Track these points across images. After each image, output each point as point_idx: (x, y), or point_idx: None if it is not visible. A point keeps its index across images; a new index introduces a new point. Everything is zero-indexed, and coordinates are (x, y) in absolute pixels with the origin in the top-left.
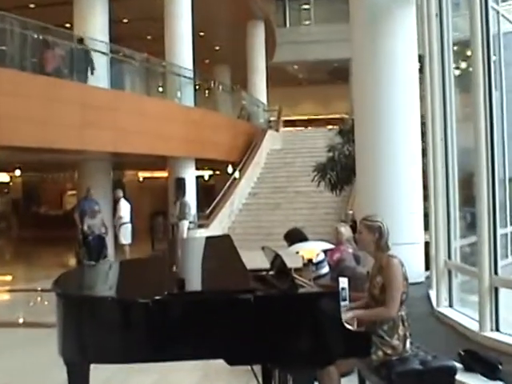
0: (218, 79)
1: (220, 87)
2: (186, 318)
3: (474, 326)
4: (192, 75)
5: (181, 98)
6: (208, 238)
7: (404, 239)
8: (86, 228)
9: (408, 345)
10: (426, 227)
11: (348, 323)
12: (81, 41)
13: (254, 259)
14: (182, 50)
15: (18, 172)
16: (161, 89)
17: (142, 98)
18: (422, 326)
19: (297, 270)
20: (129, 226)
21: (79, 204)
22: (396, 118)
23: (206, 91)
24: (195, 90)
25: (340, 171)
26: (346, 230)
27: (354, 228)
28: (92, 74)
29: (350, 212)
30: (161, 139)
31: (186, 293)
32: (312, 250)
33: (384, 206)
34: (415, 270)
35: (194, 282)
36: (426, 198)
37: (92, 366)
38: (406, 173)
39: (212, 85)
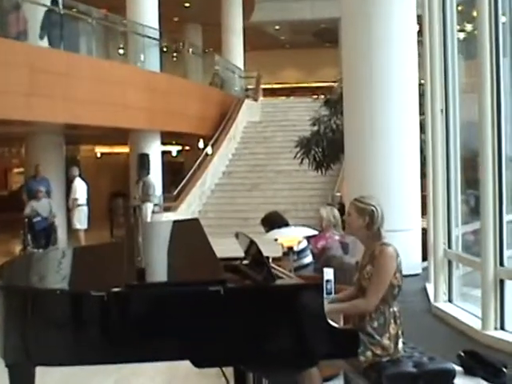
0: (188, 41)
1: (190, 50)
2: (147, 314)
3: (476, 323)
4: (157, 36)
5: (144, 62)
6: (175, 223)
7: (398, 225)
8: (28, 210)
9: (400, 344)
10: (424, 212)
11: (333, 320)
12: None
13: (227, 247)
14: (145, 6)
15: None
16: (121, 51)
17: (99, 62)
18: (417, 324)
19: (275, 259)
20: (84, 208)
21: (27, 183)
22: (391, 87)
23: (174, 54)
24: (161, 52)
25: (326, 147)
26: (331, 214)
27: (341, 212)
28: (41, 38)
29: (338, 194)
30: (121, 109)
31: (147, 284)
32: (293, 236)
33: (376, 187)
34: (411, 260)
35: (157, 272)
36: (423, 178)
37: (40, 369)
38: (402, 150)
39: (181, 47)
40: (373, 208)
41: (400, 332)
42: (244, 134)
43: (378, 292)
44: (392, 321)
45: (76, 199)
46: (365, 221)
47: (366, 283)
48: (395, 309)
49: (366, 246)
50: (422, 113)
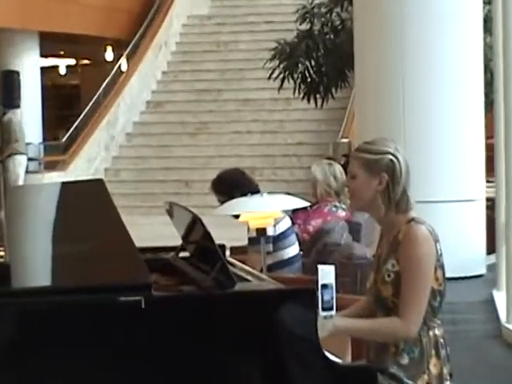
0: None
1: None
2: (11, 340)
3: None
4: None
5: None
6: (65, 188)
7: (447, 194)
8: None
9: None
10: (490, 175)
11: (333, 353)
12: None
13: (153, 230)
14: None
15: None
16: None
17: None
18: (478, 358)
19: (236, 250)
20: None
21: None
22: None
23: None
24: None
25: (324, 60)
26: (331, 175)
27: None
28: None
29: (345, 141)
30: None
31: (14, 291)
32: (266, 212)
33: (410, 134)
34: (469, 251)
35: (32, 272)
36: (489, 126)
37: None
38: (459, 74)
39: None
40: (391, 157)
41: (446, 371)
42: (183, 37)
43: (420, 305)
44: (433, 352)
45: None
46: (380, 181)
47: (388, 289)
48: (437, 332)
49: (383, 225)
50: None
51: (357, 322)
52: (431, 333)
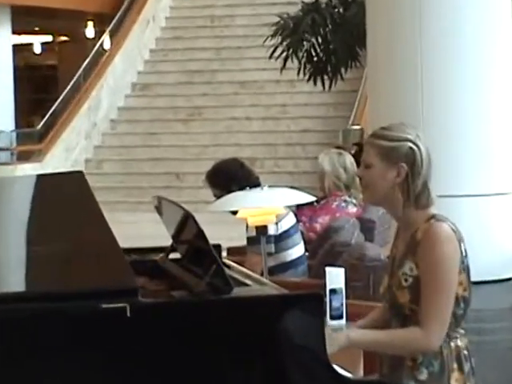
0: None
1: None
2: None
3: None
4: None
5: None
6: (41, 180)
7: (471, 187)
8: None
9: None
10: None
11: (343, 367)
12: None
13: (140, 228)
14: None
15: None
16: None
17: None
18: (504, 372)
19: (234, 250)
20: None
21: None
22: None
23: None
24: None
25: (332, 35)
26: (341, 167)
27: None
28: None
29: (356, 128)
30: None
31: None
32: (268, 208)
33: (429, 120)
34: (495, 253)
35: (4, 276)
36: None
37: None
38: (482, 46)
39: None
40: (411, 144)
41: None
42: (173, 11)
43: (443, 314)
44: (455, 366)
45: None
46: (399, 172)
47: (405, 295)
48: (460, 343)
49: (400, 222)
50: None
51: (374, 334)
52: (453, 344)
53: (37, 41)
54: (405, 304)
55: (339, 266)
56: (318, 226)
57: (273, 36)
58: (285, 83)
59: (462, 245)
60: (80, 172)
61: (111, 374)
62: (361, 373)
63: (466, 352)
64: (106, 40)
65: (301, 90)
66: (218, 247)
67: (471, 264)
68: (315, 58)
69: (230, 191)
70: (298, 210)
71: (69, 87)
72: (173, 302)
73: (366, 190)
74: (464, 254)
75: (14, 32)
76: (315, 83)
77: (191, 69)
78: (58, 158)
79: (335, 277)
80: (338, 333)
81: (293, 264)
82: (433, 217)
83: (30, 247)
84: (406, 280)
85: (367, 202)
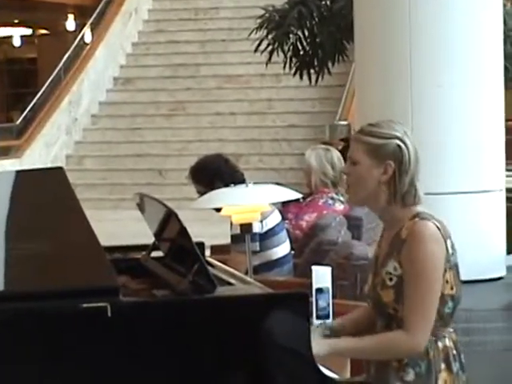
0: None
1: None
2: None
3: None
4: None
5: None
6: (19, 176)
7: (460, 184)
8: None
9: None
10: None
11: (329, 368)
12: None
13: (122, 226)
14: None
15: None
16: None
17: None
18: (495, 373)
19: (217, 248)
20: None
21: None
22: None
23: None
24: None
25: (319, 28)
26: (328, 163)
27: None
28: None
29: (343, 123)
30: None
31: None
32: (253, 205)
33: (418, 115)
34: (485, 252)
35: None
36: (509, 106)
37: None
38: (471, 38)
39: None
40: (399, 142)
41: None
42: (156, 3)
43: (427, 314)
44: (442, 366)
45: None
46: (386, 170)
47: (390, 295)
48: (448, 343)
49: (384, 220)
50: None
51: (356, 342)
52: (441, 344)
53: (16, 34)
54: (389, 303)
55: (326, 265)
56: (304, 224)
57: (258, 29)
58: (270, 77)
59: (449, 242)
60: (60, 168)
61: (92, 374)
62: (347, 374)
63: (454, 352)
64: (86, 33)
65: (287, 85)
66: (201, 245)
67: (460, 263)
68: (301, 52)
69: (213, 188)
70: (284, 207)
71: (49, 81)
72: (155, 301)
73: (351, 189)
74: (451, 251)
75: None
76: (301, 77)
77: (174, 62)
78: (38, 154)
79: (322, 276)
80: (320, 341)
81: (278, 263)
82: (417, 215)
83: (8, 246)
84: (390, 279)
85: (351, 203)
